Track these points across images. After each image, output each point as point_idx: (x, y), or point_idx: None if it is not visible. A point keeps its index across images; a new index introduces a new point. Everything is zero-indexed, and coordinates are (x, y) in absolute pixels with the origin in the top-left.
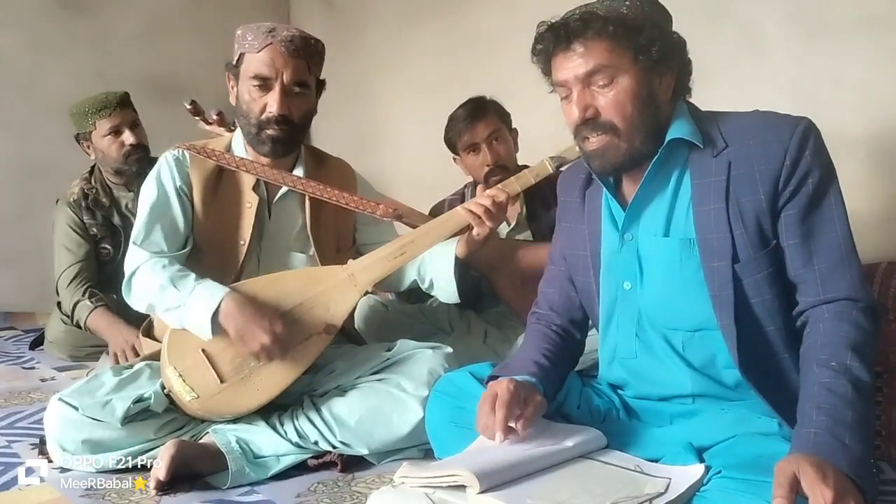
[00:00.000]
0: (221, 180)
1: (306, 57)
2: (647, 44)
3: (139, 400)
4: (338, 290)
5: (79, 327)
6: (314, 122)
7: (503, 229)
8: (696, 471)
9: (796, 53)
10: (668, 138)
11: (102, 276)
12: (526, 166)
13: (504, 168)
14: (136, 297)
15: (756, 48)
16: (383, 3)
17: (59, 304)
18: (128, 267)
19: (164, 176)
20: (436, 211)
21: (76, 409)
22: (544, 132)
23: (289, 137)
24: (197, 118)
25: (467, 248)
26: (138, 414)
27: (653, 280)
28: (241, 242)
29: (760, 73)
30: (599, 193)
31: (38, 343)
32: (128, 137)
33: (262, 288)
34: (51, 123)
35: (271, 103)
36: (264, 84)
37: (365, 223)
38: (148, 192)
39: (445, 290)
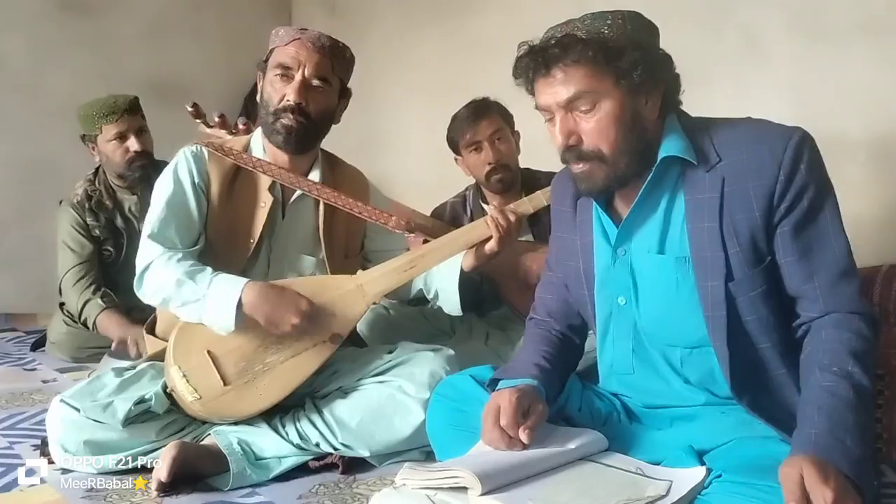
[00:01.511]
0: (238, 179)
1: (331, 56)
2: (628, 67)
3: (140, 401)
4: (347, 300)
5: (85, 326)
6: None
7: None
8: (697, 473)
9: (797, 57)
10: (660, 156)
11: (105, 277)
12: (528, 169)
13: (505, 167)
14: (150, 291)
15: (757, 52)
16: (385, 7)
17: (61, 305)
18: (140, 261)
19: (181, 171)
20: (437, 214)
21: (78, 410)
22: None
23: (303, 130)
24: (198, 121)
25: (475, 262)
26: (140, 415)
27: (648, 297)
28: (251, 241)
29: (761, 77)
30: (590, 205)
31: (39, 344)
32: (133, 144)
33: None
34: (53, 126)
35: (290, 92)
36: (286, 74)
37: (376, 230)
38: (164, 185)
39: (449, 301)
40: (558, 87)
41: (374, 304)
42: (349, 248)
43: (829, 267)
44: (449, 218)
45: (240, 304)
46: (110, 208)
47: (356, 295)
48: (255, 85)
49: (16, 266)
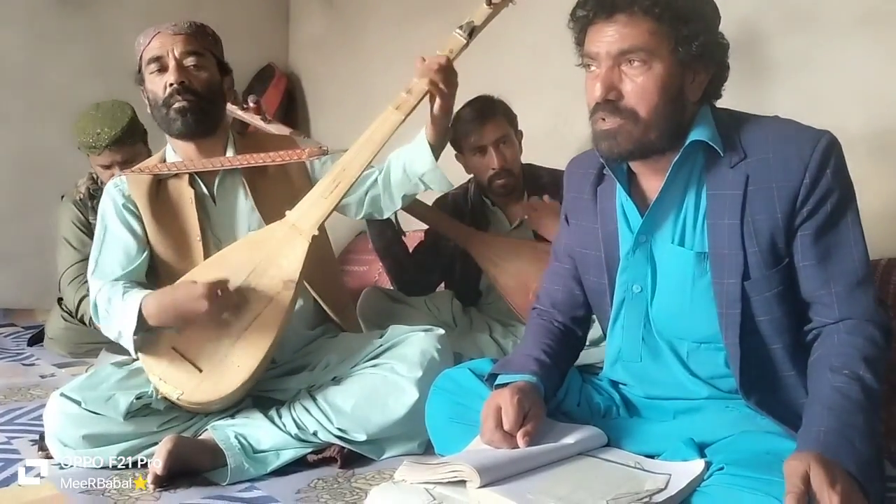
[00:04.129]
0: (161, 190)
1: (194, 34)
2: (689, 36)
3: (141, 396)
4: (285, 245)
5: (82, 322)
6: (313, 120)
7: (505, 229)
8: (696, 466)
9: (796, 50)
10: (689, 139)
11: None
12: (530, 165)
13: (509, 172)
14: (103, 330)
15: (755, 45)
16: (383, 1)
17: (59, 300)
18: (91, 301)
19: (105, 204)
20: (439, 206)
21: (78, 403)
22: (545, 129)
23: (196, 107)
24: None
25: (435, 127)
26: (140, 409)
27: (664, 287)
28: (196, 238)
29: (760, 70)
30: (613, 192)
31: (36, 339)
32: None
33: (209, 271)
34: (50, 120)
35: (169, 76)
36: (160, 65)
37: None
38: (97, 226)
39: (434, 179)
40: (615, 36)
41: (315, 234)
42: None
43: (846, 274)
44: (451, 210)
45: (144, 324)
46: None
47: (292, 236)
48: (252, 80)
49: (14, 261)
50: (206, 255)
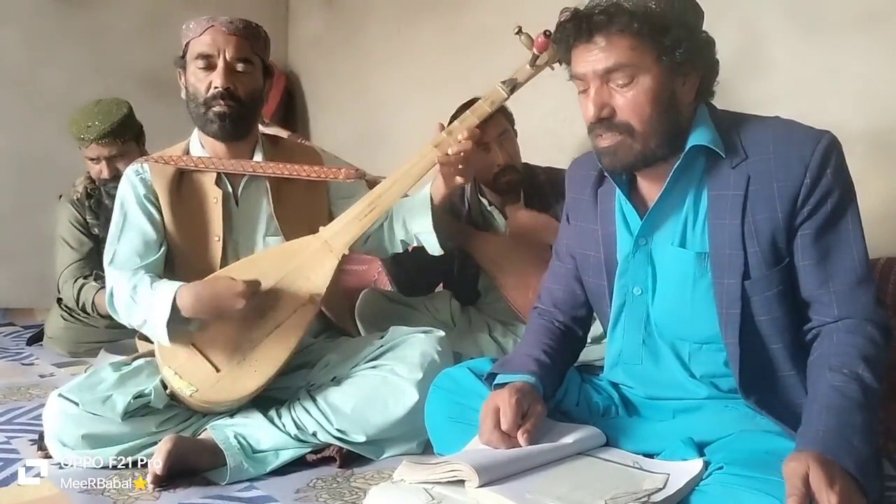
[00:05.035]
0: (184, 182)
1: (248, 37)
2: (672, 45)
3: (139, 395)
4: (315, 259)
5: (84, 311)
6: (312, 118)
7: (503, 228)
8: (694, 466)
9: (795, 49)
10: (689, 144)
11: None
12: (525, 164)
13: (513, 168)
14: (122, 317)
15: (755, 44)
16: (383, 0)
17: (59, 300)
18: (107, 290)
19: (125, 192)
20: None
21: (76, 404)
22: (543, 129)
23: (236, 114)
24: None
25: (444, 195)
26: (139, 409)
27: (664, 289)
28: (216, 238)
29: (758, 69)
30: (613, 194)
31: (35, 339)
32: (102, 170)
33: (242, 272)
34: (48, 120)
35: (216, 79)
36: (208, 63)
37: (340, 197)
38: (114, 213)
39: (429, 242)
40: (599, 56)
41: (346, 254)
42: (314, 223)
43: (846, 273)
44: (448, 210)
45: (179, 313)
46: (110, 207)
47: (323, 252)
48: None
49: (13, 261)
50: (224, 255)
